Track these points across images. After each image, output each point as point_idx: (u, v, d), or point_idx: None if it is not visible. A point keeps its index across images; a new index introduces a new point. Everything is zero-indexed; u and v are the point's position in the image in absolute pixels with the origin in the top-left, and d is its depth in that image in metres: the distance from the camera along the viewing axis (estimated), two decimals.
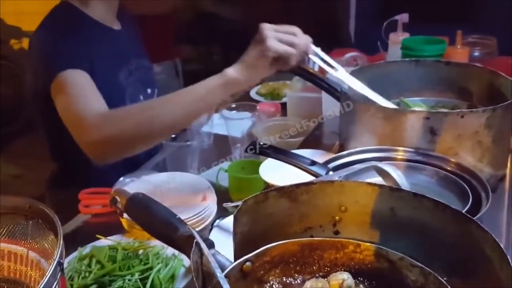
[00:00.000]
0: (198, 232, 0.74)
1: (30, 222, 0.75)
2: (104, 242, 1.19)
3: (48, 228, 0.73)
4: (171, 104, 1.27)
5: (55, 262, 0.59)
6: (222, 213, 1.29)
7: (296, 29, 1.23)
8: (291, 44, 1.20)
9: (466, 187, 0.95)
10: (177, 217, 0.78)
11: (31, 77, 1.47)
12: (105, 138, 1.28)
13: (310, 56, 1.25)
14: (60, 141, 1.63)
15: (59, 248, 0.62)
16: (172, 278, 1.08)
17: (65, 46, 1.40)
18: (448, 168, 1.02)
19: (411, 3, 2.68)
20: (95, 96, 1.35)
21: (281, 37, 1.19)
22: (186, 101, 1.26)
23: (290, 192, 0.78)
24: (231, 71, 1.23)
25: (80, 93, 1.34)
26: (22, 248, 0.82)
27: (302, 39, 1.23)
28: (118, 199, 0.82)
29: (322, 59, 1.26)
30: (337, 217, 0.80)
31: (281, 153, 1.05)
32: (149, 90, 1.68)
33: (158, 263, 1.09)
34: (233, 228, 0.74)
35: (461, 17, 2.36)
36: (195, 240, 0.67)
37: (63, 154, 1.66)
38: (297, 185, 0.78)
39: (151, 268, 1.08)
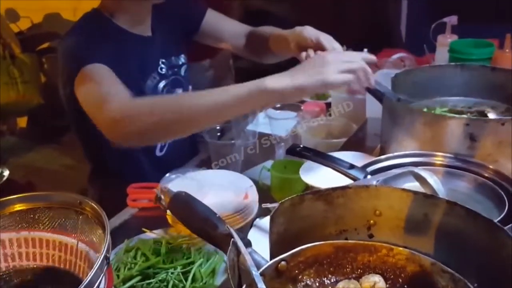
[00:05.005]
0: (236, 230, 0.78)
1: (80, 217, 0.81)
2: (149, 235, 1.24)
3: (96, 223, 0.78)
4: (200, 102, 1.20)
5: (102, 256, 0.64)
6: (263, 211, 1.32)
7: (357, 56, 1.18)
8: (350, 71, 1.14)
9: (504, 195, 0.95)
10: (217, 215, 0.82)
11: (60, 83, 1.50)
12: (127, 120, 1.23)
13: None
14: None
15: (106, 242, 0.66)
16: (213, 273, 1.12)
17: (91, 43, 1.43)
18: (487, 175, 1.02)
19: (462, 3, 2.64)
20: (119, 84, 1.34)
21: (342, 68, 1.13)
22: (214, 102, 1.18)
23: (326, 195, 0.80)
24: (274, 83, 1.13)
25: (104, 81, 1.34)
26: (72, 239, 0.87)
27: (361, 65, 1.16)
28: (163, 196, 0.87)
29: None
30: (371, 221, 0.82)
31: (320, 156, 1.07)
32: (180, 91, 1.69)
33: (200, 258, 1.14)
34: (269, 228, 0.78)
35: None
36: (232, 240, 0.71)
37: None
38: (333, 189, 0.80)
39: (193, 262, 1.12)
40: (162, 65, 1.63)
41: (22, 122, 4.41)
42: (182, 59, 1.73)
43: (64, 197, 0.81)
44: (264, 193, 1.38)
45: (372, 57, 1.23)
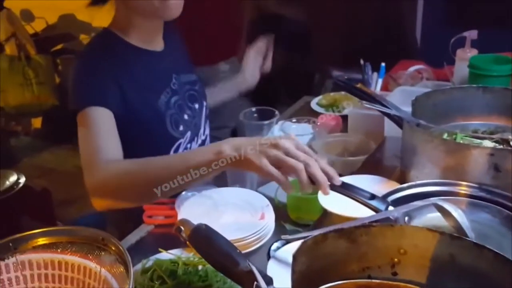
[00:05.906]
0: (257, 266, 0.77)
1: (103, 253, 0.80)
2: (165, 255, 1.23)
3: (119, 262, 0.77)
4: (164, 169, 1.26)
5: None
6: (280, 229, 1.31)
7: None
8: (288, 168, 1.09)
9: None
10: (238, 250, 0.81)
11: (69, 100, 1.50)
12: (105, 187, 1.31)
13: None
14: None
15: (130, 286, 0.66)
16: None
17: (96, 81, 1.43)
18: None
19: (482, 14, 2.61)
20: (110, 141, 1.38)
21: (282, 162, 1.09)
22: (181, 168, 1.22)
23: (349, 233, 0.79)
24: (228, 150, 1.17)
25: (97, 137, 1.36)
26: (96, 264, 0.86)
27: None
28: (183, 228, 0.86)
29: None
30: (396, 259, 0.81)
31: (339, 186, 1.06)
32: (196, 106, 1.69)
33: (217, 281, 1.13)
34: (291, 267, 0.76)
35: None
36: (255, 283, 0.70)
37: None
38: (357, 227, 0.79)
39: (209, 285, 1.12)
40: (174, 80, 1.62)
41: (37, 123, 4.44)
42: (194, 77, 1.73)
43: (87, 232, 0.81)
44: (280, 212, 1.37)
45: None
